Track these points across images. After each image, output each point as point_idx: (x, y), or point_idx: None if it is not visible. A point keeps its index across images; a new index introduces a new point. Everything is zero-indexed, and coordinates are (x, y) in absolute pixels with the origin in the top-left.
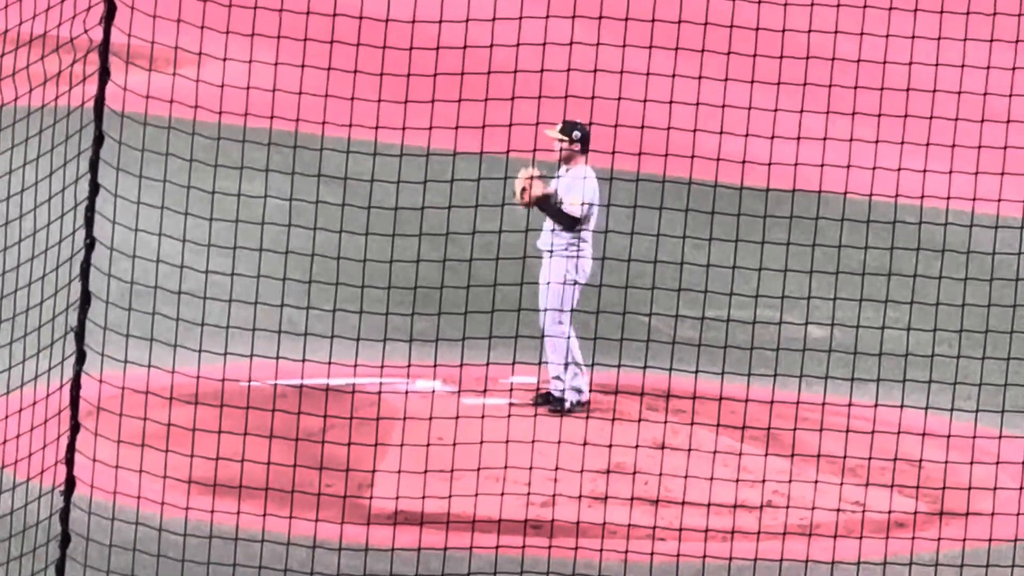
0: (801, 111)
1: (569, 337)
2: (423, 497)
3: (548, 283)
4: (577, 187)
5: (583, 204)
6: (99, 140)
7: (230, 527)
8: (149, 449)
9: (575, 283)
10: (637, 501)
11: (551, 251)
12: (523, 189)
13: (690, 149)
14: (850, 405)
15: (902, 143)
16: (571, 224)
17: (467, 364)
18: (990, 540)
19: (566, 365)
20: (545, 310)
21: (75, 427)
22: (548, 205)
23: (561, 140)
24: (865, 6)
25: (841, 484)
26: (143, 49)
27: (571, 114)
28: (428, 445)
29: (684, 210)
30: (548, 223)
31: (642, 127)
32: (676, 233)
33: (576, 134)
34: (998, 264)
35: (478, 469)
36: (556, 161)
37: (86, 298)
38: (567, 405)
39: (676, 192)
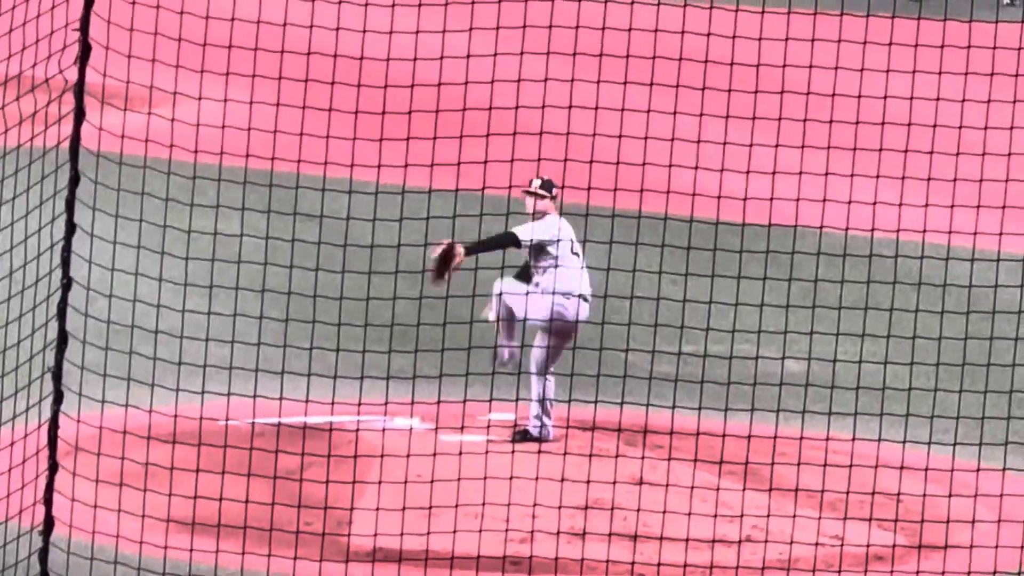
0: (776, 145)
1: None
2: (402, 534)
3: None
4: (540, 225)
5: (531, 239)
6: (75, 180)
7: (209, 566)
8: (127, 488)
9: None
10: (615, 537)
11: (533, 290)
12: (442, 258)
13: (665, 185)
14: (828, 439)
15: (877, 177)
16: (512, 242)
17: (444, 401)
18: (969, 573)
19: (542, 402)
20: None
21: (53, 467)
22: (477, 246)
23: (542, 196)
24: (839, 40)
25: (820, 518)
26: (118, 89)
27: (546, 151)
28: (406, 482)
29: (660, 245)
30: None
31: (617, 163)
32: (652, 268)
33: (555, 191)
34: (975, 297)
35: (456, 506)
36: (530, 214)
37: (63, 338)
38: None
39: (652, 228)
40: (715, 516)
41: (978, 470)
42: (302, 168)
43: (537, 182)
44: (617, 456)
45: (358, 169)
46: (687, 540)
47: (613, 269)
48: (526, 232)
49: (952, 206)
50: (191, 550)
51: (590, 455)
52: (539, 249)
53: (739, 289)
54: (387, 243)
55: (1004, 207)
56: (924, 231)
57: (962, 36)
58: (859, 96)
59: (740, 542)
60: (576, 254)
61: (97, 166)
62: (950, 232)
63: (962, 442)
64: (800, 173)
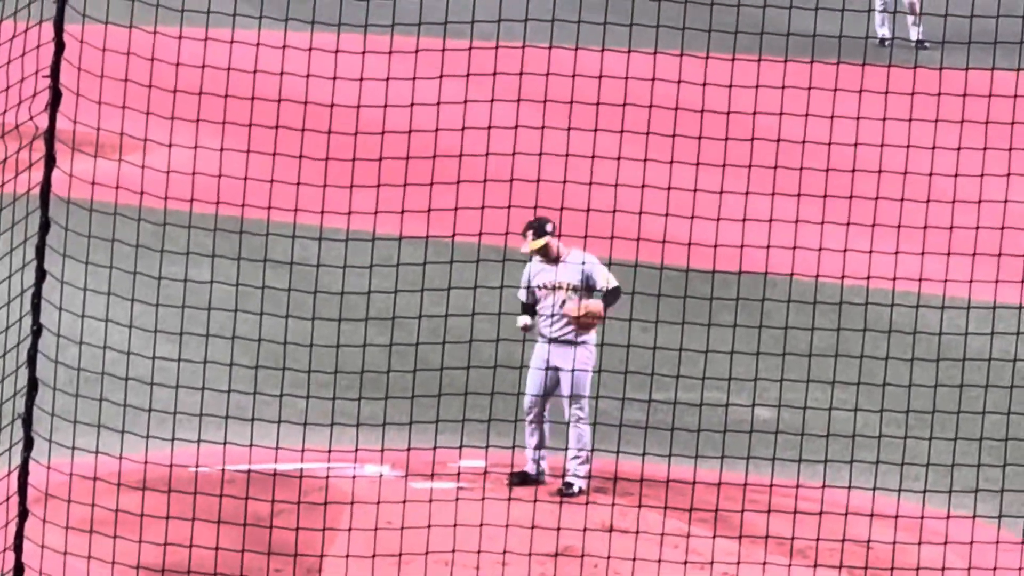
0: (747, 192)
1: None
2: None
3: (586, 370)
4: (591, 260)
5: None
6: (45, 226)
7: None
8: (97, 535)
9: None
10: None
11: (577, 341)
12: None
13: (636, 232)
14: (798, 486)
15: (848, 224)
16: (619, 295)
17: (414, 448)
18: None
19: (593, 451)
20: (539, 396)
21: (23, 513)
22: (607, 306)
23: (544, 243)
24: (810, 87)
25: (790, 565)
26: (89, 136)
27: (517, 198)
28: (376, 529)
29: (630, 293)
30: (553, 308)
31: (587, 210)
32: (623, 316)
33: (549, 227)
34: (945, 344)
35: (427, 553)
36: (546, 259)
37: (33, 385)
38: (576, 489)
39: (622, 275)
40: (685, 563)
41: (948, 517)
42: (272, 215)
43: (530, 235)
44: (587, 503)
45: (328, 216)
46: None
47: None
48: (612, 279)
49: (923, 253)
50: None
51: (560, 502)
52: (589, 291)
53: (709, 336)
54: (357, 290)
55: (974, 255)
56: (894, 278)
57: (932, 83)
58: (829, 143)
59: None
60: None
61: (67, 213)
62: (920, 279)
63: (932, 489)
64: (770, 220)
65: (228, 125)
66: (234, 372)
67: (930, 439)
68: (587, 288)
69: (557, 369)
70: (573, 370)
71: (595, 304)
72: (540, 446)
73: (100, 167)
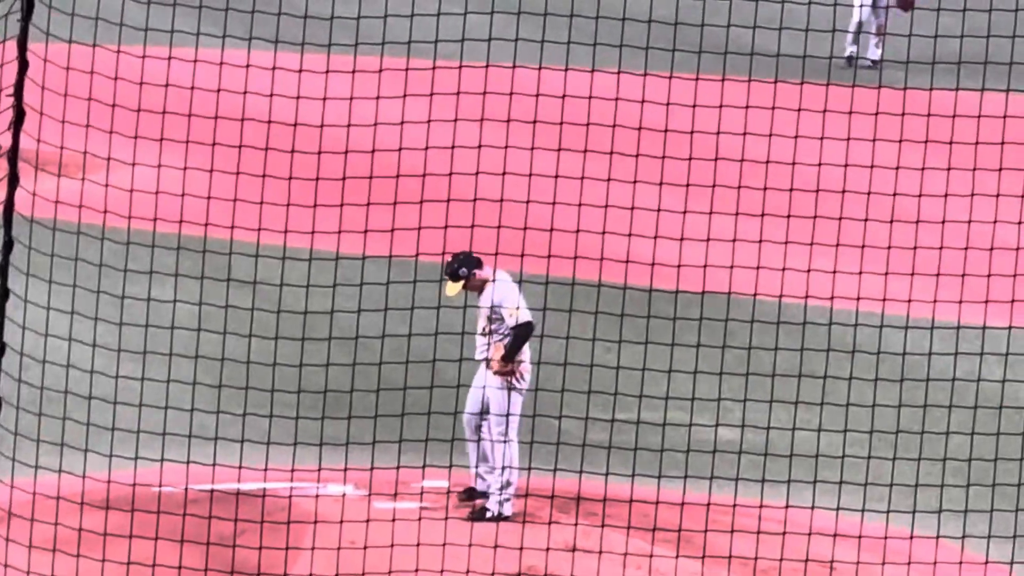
0: (710, 212)
1: (507, 442)
2: None
3: (484, 387)
4: (503, 291)
5: (517, 308)
6: (8, 246)
7: None
8: (61, 554)
9: (513, 388)
10: None
11: (488, 359)
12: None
13: (599, 251)
14: (761, 506)
15: (811, 244)
16: (529, 330)
17: (378, 468)
18: None
19: (503, 469)
20: (475, 414)
21: None
22: (510, 350)
23: (463, 285)
24: (774, 107)
25: None
26: (52, 155)
27: (480, 217)
28: (339, 549)
29: (594, 312)
30: (480, 329)
31: (551, 229)
32: (586, 335)
33: (464, 271)
34: (908, 364)
35: (390, 572)
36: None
37: None
38: (492, 513)
39: (586, 294)
40: None
41: (911, 537)
42: (236, 234)
43: (448, 281)
44: (550, 523)
45: (292, 235)
46: None
47: (546, 336)
48: (525, 313)
49: (886, 273)
50: None
51: (523, 522)
52: (498, 315)
53: (672, 356)
54: (321, 309)
55: (938, 275)
56: (858, 298)
57: (896, 103)
58: (793, 163)
59: None
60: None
61: (31, 232)
62: (884, 299)
63: (896, 509)
64: (734, 240)
65: (191, 144)
66: (197, 391)
67: (894, 459)
68: (498, 316)
69: (482, 388)
70: (488, 386)
71: (496, 358)
72: (479, 462)
73: (63, 186)
